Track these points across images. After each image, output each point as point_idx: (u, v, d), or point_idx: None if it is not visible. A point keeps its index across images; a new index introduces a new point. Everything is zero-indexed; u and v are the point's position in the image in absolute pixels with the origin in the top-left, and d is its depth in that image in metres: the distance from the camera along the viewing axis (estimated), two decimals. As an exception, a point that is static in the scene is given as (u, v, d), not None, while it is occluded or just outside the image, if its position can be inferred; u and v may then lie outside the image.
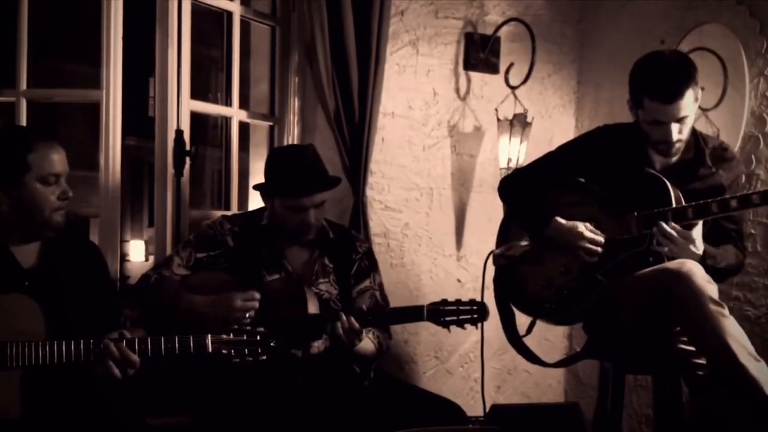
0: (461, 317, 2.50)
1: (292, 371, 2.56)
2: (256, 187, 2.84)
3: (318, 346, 2.67)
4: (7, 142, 2.26)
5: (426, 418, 2.56)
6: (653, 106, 2.53)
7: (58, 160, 2.26)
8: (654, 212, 2.54)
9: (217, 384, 2.49)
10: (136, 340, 2.18)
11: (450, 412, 2.73)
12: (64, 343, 2.12)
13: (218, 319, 2.48)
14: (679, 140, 2.57)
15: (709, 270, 2.49)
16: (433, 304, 2.53)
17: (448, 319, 2.51)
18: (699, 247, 2.49)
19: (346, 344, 2.53)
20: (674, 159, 2.66)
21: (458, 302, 2.51)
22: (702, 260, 2.50)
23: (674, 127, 2.54)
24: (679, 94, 2.49)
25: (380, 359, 2.80)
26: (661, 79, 2.52)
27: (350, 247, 2.85)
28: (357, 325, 2.51)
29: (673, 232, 2.45)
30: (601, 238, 2.64)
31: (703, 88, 2.62)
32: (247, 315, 2.52)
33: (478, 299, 2.60)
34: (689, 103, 2.51)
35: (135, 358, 2.16)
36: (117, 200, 3.13)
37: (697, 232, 2.48)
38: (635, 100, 2.60)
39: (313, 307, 2.60)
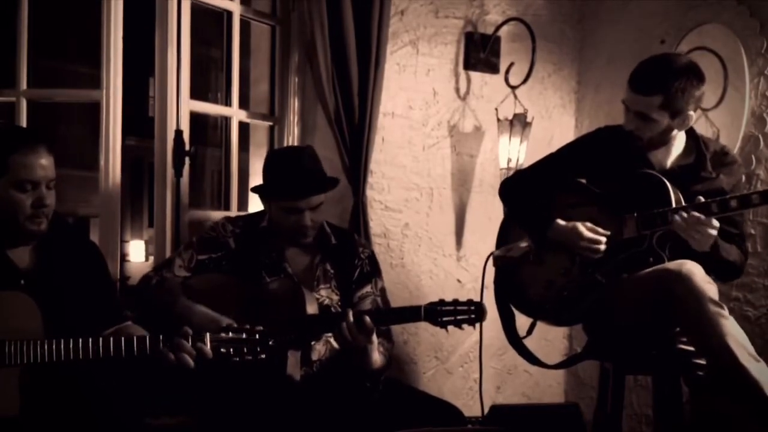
0: (459, 317, 2.49)
1: (291, 391, 2.55)
2: (254, 190, 2.84)
3: (320, 350, 2.66)
4: None
5: (424, 420, 2.56)
6: (627, 89, 2.60)
7: (39, 166, 2.18)
8: (654, 213, 2.54)
9: (217, 385, 2.49)
10: (135, 339, 2.18)
11: (448, 414, 2.73)
12: (63, 341, 2.12)
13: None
14: (635, 134, 2.61)
15: (719, 261, 2.49)
16: (431, 304, 2.51)
17: (445, 319, 2.49)
18: (714, 235, 2.48)
19: (361, 342, 2.50)
20: (669, 162, 2.66)
21: (456, 302, 2.50)
22: (715, 249, 2.49)
23: (633, 118, 2.58)
24: (646, 89, 2.53)
25: (387, 371, 2.78)
26: (642, 68, 2.58)
27: (352, 252, 2.83)
28: (369, 322, 2.47)
29: (699, 222, 2.43)
30: (602, 237, 2.64)
31: (702, 93, 2.62)
32: None
33: (478, 299, 2.59)
34: (652, 107, 2.54)
35: (208, 350, 2.20)
36: (117, 200, 3.13)
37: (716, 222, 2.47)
38: None
39: (311, 309, 2.59)
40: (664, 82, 2.52)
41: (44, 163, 2.20)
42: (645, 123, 2.58)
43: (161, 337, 2.19)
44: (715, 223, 2.45)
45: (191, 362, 2.18)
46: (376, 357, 2.58)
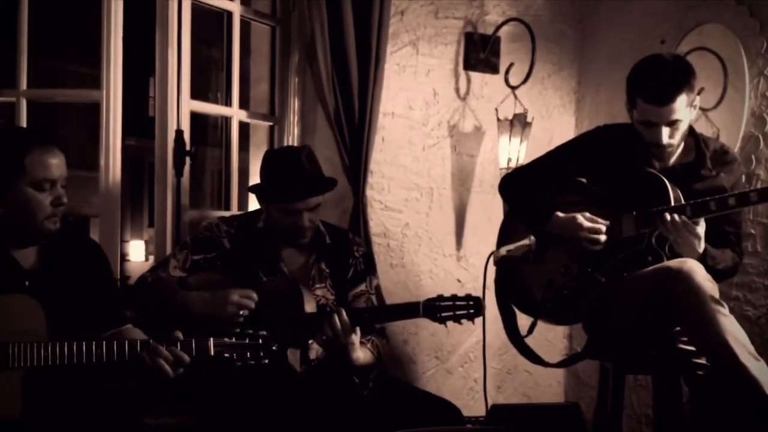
0: (457, 312, 2.50)
1: (291, 374, 2.56)
2: (250, 190, 2.84)
3: (318, 348, 2.66)
4: (3, 143, 2.20)
5: (422, 418, 2.56)
6: (645, 108, 2.54)
7: (54, 165, 2.19)
8: (652, 211, 2.54)
9: (217, 385, 2.49)
10: (138, 343, 2.18)
11: (447, 413, 2.73)
12: (66, 343, 2.12)
13: (212, 316, 2.48)
14: (670, 144, 2.58)
15: (708, 270, 2.49)
16: (429, 300, 2.52)
17: (444, 314, 2.50)
18: (701, 244, 2.49)
19: (340, 341, 2.51)
20: (671, 161, 2.67)
21: (454, 297, 2.51)
22: (702, 260, 2.50)
23: (665, 130, 2.54)
24: (670, 98, 2.50)
25: (379, 368, 2.79)
26: (654, 81, 2.54)
27: (347, 251, 2.84)
28: (347, 321, 2.49)
29: (682, 225, 2.45)
30: (601, 226, 2.64)
31: (702, 90, 2.62)
32: (241, 313, 2.52)
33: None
34: (681, 108, 2.52)
35: (185, 357, 2.17)
36: (117, 200, 3.14)
37: (701, 229, 2.48)
38: (630, 101, 2.61)
39: (309, 307, 2.59)
40: (686, 79, 2.52)
41: (58, 161, 2.21)
42: (677, 129, 2.56)
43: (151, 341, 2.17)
44: (700, 232, 2.46)
45: (168, 369, 2.16)
46: (358, 354, 2.58)
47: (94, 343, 2.13)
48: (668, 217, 2.46)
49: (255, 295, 2.54)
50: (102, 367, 2.18)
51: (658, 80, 2.53)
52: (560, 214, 2.70)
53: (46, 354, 2.10)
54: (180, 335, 2.20)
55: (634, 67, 2.63)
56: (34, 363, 2.09)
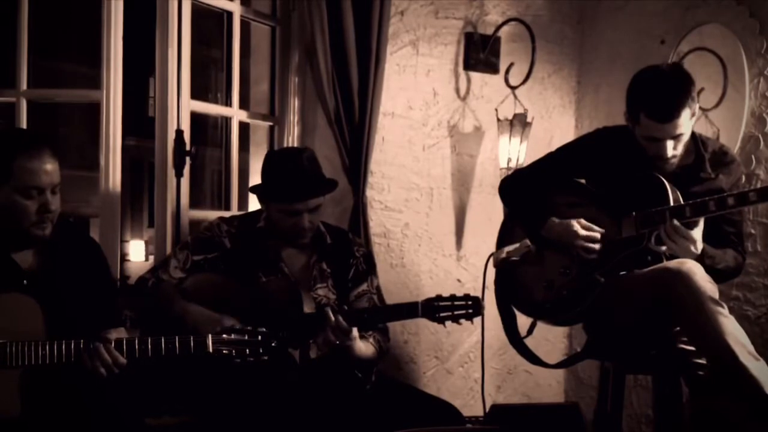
0: (456, 312, 2.50)
1: (292, 372, 2.56)
2: (251, 190, 2.84)
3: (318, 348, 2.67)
4: None
5: (422, 419, 2.56)
6: (649, 124, 2.53)
7: (43, 171, 2.15)
8: (652, 211, 2.54)
9: (217, 384, 2.49)
10: (137, 340, 2.18)
11: (447, 414, 2.73)
12: (64, 343, 2.12)
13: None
14: (674, 156, 2.58)
15: (707, 270, 2.49)
16: (428, 300, 2.53)
17: (442, 314, 2.50)
18: (698, 247, 2.49)
19: (342, 342, 2.51)
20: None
21: (453, 297, 2.51)
22: (700, 260, 2.50)
23: (669, 143, 2.54)
24: (675, 114, 2.49)
25: (380, 362, 2.79)
26: (657, 98, 2.52)
27: (347, 251, 2.84)
28: (345, 324, 2.49)
29: (674, 231, 2.45)
30: (596, 234, 2.64)
31: (702, 90, 2.61)
32: None
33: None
34: (685, 121, 2.51)
35: (122, 360, 2.16)
36: (117, 200, 3.13)
37: (698, 232, 2.48)
38: (632, 115, 2.59)
39: (308, 307, 2.60)
40: (688, 92, 2.51)
41: (49, 168, 2.18)
42: (681, 141, 2.56)
43: (81, 342, 2.15)
44: (695, 236, 2.45)
45: (102, 371, 2.15)
46: (359, 346, 2.59)
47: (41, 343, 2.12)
48: (668, 225, 2.46)
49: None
50: None
51: (661, 97, 2.51)
52: (555, 220, 2.71)
53: (43, 353, 2.10)
54: (113, 336, 2.18)
55: (634, 81, 2.60)
56: (31, 362, 2.09)
